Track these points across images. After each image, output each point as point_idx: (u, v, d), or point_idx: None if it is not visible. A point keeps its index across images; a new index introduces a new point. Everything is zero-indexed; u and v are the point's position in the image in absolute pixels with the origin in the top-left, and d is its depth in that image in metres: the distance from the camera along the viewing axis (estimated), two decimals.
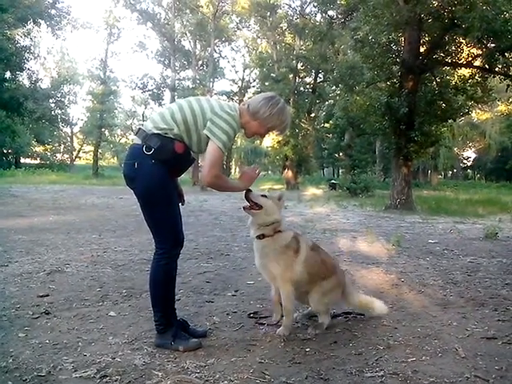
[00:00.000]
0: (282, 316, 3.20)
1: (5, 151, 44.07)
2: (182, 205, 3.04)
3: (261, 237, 3.08)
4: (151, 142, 2.71)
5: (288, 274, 3.07)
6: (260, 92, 37.56)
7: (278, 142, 30.21)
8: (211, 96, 31.02)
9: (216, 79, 41.36)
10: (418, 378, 2.44)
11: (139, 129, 2.86)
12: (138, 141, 2.79)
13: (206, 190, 22.71)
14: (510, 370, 2.57)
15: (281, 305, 3.18)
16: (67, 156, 57.57)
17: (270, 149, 34.14)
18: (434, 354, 2.79)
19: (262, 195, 3.12)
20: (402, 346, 2.91)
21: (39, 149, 54.00)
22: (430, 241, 7.65)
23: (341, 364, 2.63)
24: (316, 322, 3.28)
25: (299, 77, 32.57)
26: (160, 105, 42.47)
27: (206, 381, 2.38)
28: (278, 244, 3.08)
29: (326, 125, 40.48)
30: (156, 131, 2.74)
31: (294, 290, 3.13)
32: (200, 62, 39.38)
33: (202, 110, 2.78)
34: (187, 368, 2.53)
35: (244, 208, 3.11)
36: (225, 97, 43.30)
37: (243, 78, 44.12)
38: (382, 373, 2.50)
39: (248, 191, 3.08)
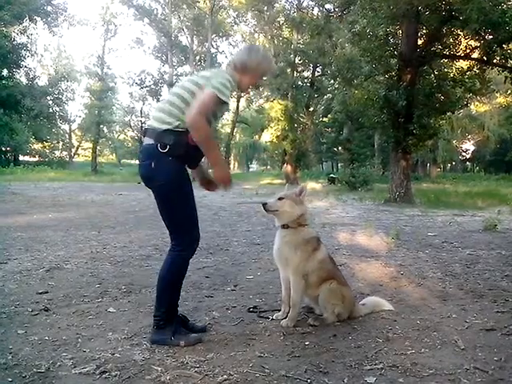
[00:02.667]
0: (288, 313, 3.23)
1: (3, 149, 43.88)
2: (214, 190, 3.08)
3: (285, 226, 3.17)
4: (165, 140, 2.68)
5: (301, 266, 3.13)
6: (258, 88, 37.50)
7: (277, 136, 30.16)
8: None
9: None
10: (418, 370, 2.44)
11: (146, 129, 2.83)
12: (149, 140, 2.75)
13: None
14: (509, 360, 2.58)
15: (289, 305, 3.22)
16: (66, 153, 57.38)
17: (268, 144, 34.10)
18: (433, 346, 2.79)
19: (279, 198, 3.17)
20: (402, 339, 2.92)
21: (38, 146, 53.75)
22: (429, 233, 7.66)
23: (340, 357, 2.63)
24: (316, 315, 3.31)
25: (297, 71, 32.44)
26: (158, 101, 42.30)
27: (206, 375, 2.38)
28: (299, 236, 3.16)
29: (325, 119, 40.44)
30: (165, 126, 2.71)
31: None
32: (197, 58, 39.28)
33: (197, 84, 2.75)
34: (187, 363, 2.53)
35: (267, 211, 3.19)
36: None
37: None
38: (381, 365, 2.51)
39: (264, 205, 3.14)
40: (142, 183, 2.88)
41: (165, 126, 2.70)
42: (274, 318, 3.29)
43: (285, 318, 3.22)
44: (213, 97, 2.63)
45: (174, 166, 2.71)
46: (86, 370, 2.43)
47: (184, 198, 2.80)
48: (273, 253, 3.31)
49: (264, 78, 3.25)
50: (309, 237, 3.21)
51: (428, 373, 2.42)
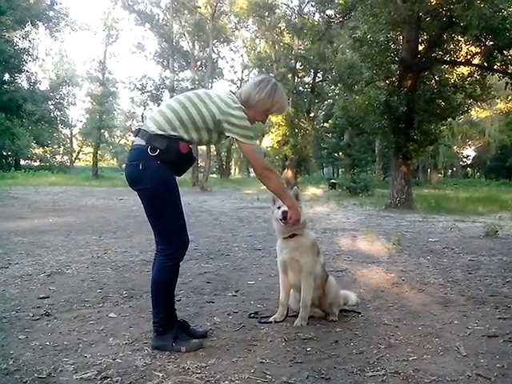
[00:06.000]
0: (286, 316, 3.35)
1: (4, 153, 43.97)
2: None
3: (292, 236, 3.23)
4: (156, 143, 2.67)
5: (313, 266, 3.28)
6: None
7: (278, 141, 30.19)
8: None
9: (215, 80, 41.36)
10: (420, 377, 2.43)
11: (139, 129, 2.82)
12: (140, 141, 2.74)
13: (205, 190, 22.72)
14: (511, 367, 2.56)
15: (287, 309, 3.40)
16: (67, 158, 57.39)
17: (269, 149, 34.11)
18: (435, 353, 2.78)
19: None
20: (403, 345, 2.91)
21: (39, 151, 53.83)
22: (430, 239, 7.65)
23: (342, 363, 2.62)
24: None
25: (298, 76, 32.54)
26: (159, 106, 42.41)
27: (207, 381, 2.38)
28: (308, 240, 3.28)
29: (326, 124, 40.39)
30: (160, 132, 2.70)
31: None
32: (199, 63, 39.37)
33: (211, 112, 2.75)
34: (188, 368, 2.52)
35: (284, 223, 3.13)
36: None
37: (242, 79, 44.12)
38: (383, 372, 2.50)
39: (285, 212, 3.08)
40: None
41: (159, 131, 2.70)
42: (271, 319, 3.33)
43: (283, 320, 3.32)
44: (252, 147, 2.86)
45: (161, 171, 2.70)
46: (87, 375, 2.42)
47: (170, 203, 2.77)
48: (278, 262, 3.36)
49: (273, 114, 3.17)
50: (313, 239, 3.35)
51: (430, 379, 2.41)
